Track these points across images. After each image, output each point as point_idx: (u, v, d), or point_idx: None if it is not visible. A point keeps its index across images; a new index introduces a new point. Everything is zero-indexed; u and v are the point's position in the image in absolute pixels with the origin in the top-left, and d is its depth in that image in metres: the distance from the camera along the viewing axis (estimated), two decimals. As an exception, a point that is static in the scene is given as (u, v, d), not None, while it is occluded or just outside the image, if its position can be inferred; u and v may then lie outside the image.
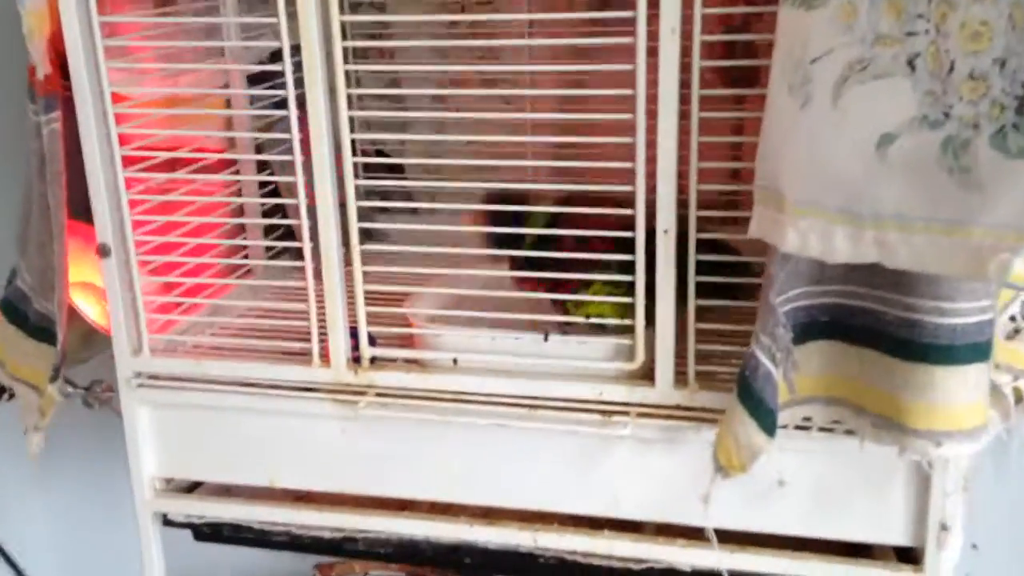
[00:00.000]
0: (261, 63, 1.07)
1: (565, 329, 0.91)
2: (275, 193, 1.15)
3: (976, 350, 0.72)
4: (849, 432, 0.83)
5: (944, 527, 0.80)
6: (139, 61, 1.01)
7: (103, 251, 0.98)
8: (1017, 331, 0.86)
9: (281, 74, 0.88)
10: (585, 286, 0.89)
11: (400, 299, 0.99)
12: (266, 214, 1.15)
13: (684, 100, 0.81)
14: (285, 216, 1.16)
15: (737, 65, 0.84)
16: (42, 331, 1.04)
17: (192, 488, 1.08)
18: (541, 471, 0.93)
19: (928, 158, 0.61)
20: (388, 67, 1.22)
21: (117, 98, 0.94)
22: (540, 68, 1.16)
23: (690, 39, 0.79)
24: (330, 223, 0.93)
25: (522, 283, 0.93)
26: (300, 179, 0.91)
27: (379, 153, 1.27)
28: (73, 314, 1.08)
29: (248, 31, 1.13)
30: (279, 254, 1.19)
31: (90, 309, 1.11)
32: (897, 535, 0.86)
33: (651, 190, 0.82)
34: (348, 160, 0.90)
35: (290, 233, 1.13)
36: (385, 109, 1.15)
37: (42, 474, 1.52)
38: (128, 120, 0.96)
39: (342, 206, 0.92)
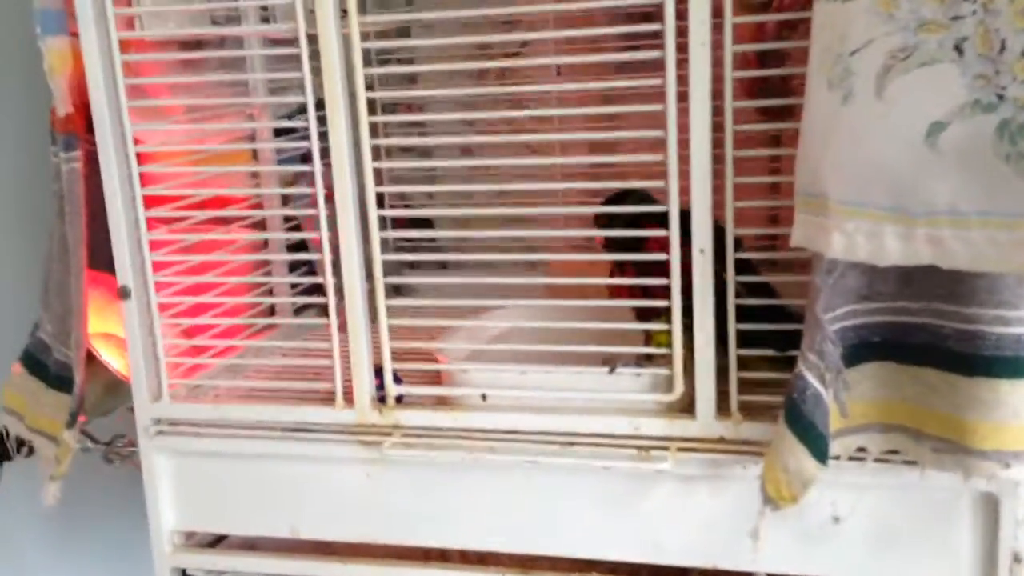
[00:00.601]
0: (289, 116, 1.07)
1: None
2: (302, 246, 1.13)
3: (1043, 362, 0.66)
4: (908, 463, 0.77)
5: (1018, 559, 0.73)
6: (163, 114, 1.00)
7: (123, 293, 0.95)
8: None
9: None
10: (659, 315, 0.84)
11: (427, 355, 0.94)
12: (292, 267, 1.13)
13: (717, 144, 0.78)
14: (311, 269, 1.13)
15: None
16: (62, 380, 1.02)
17: (215, 543, 1.04)
18: (577, 515, 0.88)
19: (983, 145, 0.57)
20: (412, 116, 1.21)
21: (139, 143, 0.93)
22: (570, 112, 1.12)
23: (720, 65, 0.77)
24: (354, 266, 0.90)
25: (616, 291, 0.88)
26: (325, 231, 0.89)
27: (407, 208, 1.25)
28: (96, 364, 1.06)
29: (275, 83, 1.12)
30: (304, 308, 1.16)
31: (113, 361, 1.09)
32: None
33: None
34: (373, 210, 0.88)
35: (317, 287, 1.11)
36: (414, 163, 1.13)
37: (63, 535, 1.48)
38: (150, 161, 0.94)
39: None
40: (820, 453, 0.72)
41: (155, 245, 0.95)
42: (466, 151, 1.24)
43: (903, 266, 0.71)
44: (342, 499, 0.94)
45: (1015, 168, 0.57)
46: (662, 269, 0.81)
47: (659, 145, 0.79)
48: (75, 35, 0.93)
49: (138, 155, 0.93)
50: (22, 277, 1.34)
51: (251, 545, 1.02)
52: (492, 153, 1.15)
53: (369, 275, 0.90)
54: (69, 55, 0.92)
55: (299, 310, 1.15)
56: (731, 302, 0.80)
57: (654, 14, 0.79)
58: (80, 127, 0.92)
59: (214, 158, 1.03)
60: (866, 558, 0.81)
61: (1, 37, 1.34)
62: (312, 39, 0.87)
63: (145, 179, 0.94)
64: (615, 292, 0.88)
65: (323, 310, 0.93)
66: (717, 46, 0.77)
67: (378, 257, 0.89)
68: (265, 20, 1.14)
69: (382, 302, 0.89)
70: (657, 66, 0.79)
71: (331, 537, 0.97)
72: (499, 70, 1.25)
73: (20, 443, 1.12)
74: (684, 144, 0.79)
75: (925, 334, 0.71)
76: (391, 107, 1.18)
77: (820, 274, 0.68)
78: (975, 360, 0.67)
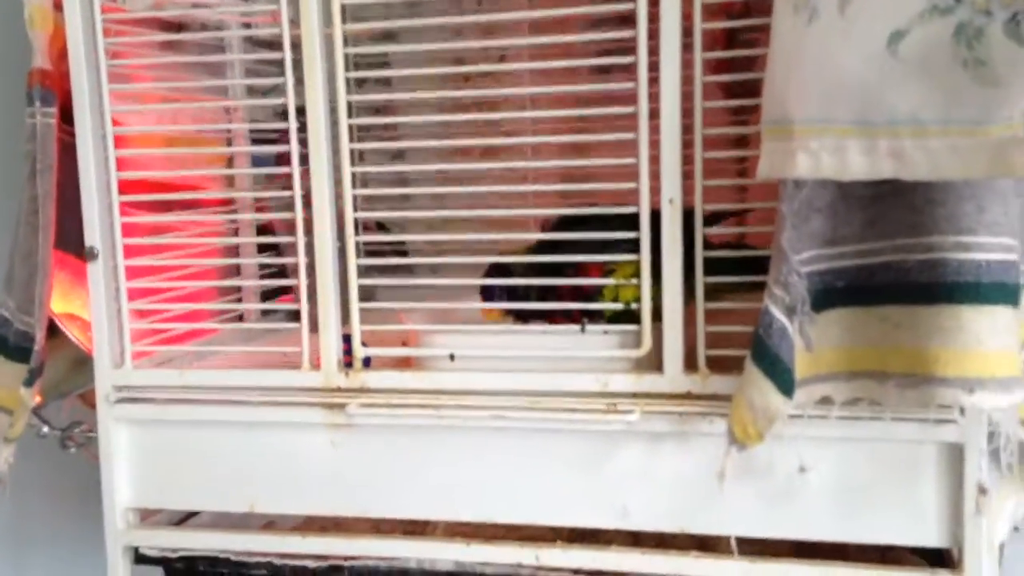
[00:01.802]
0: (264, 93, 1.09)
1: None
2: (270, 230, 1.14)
3: (1004, 291, 0.68)
4: (874, 418, 0.77)
5: (983, 490, 0.73)
6: (142, 96, 1.01)
7: (90, 254, 0.95)
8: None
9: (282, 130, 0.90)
10: (608, 274, 0.85)
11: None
12: (261, 250, 1.13)
13: (687, 145, 0.81)
14: (278, 251, 1.13)
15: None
16: (21, 351, 0.99)
17: (180, 523, 1.01)
18: (545, 478, 0.87)
19: (941, 50, 0.60)
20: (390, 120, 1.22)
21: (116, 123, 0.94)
22: (543, 139, 1.14)
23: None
24: (325, 224, 0.90)
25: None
26: (298, 192, 0.90)
27: (380, 226, 1.26)
28: (60, 338, 1.04)
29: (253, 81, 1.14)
30: (273, 294, 1.15)
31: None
32: (930, 535, 0.79)
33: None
34: (349, 204, 0.89)
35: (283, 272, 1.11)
36: (387, 184, 1.14)
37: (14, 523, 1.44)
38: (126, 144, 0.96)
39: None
40: (786, 386, 0.72)
41: (125, 211, 0.95)
42: (440, 173, 1.26)
43: (866, 208, 0.73)
44: (304, 471, 0.92)
45: (972, 74, 0.59)
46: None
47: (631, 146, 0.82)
48: (59, 6, 0.94)
49: (113, 120, 0.93)
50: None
51: (217, 524, 1.00)
52: (465, 159, 1.17)
53: (340, 234, 0.90)
54: (50, 17, 0.93)
55: (267, 296, 1.14)
56: (699, 254, 0.81)
57: (627, 17, 0.83)
58: (56, 86, 0.93)
59: (189, 143, 1.04)
60: (833, 515, 0.80)
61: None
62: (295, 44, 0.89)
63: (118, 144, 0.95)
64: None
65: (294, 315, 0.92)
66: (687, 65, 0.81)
67: (350, 217, 0.89)
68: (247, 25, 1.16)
69: (352, 262, 0.89)
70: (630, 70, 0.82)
71: (291, 511, 0.95)
72: (474, 78, 1.27)
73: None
74: (655, 175, 0.81)
75: (889, 272, 0.72)
76: (365, 111, 1.20)
77: (785, 201, 0.70)
78: (937, 288, 0.69)
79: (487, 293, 0.91)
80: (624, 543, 0.88)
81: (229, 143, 1.13)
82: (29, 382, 0.95)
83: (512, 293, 0.91)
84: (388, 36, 1.23)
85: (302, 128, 0.90)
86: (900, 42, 0.61)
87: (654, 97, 0.81)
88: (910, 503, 0.78)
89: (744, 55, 0.82)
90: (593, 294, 0.87)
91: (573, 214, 0.92)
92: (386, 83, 1.25)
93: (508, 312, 0.91)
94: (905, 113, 0.61)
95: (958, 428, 0.76)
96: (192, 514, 1.02)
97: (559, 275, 0.87)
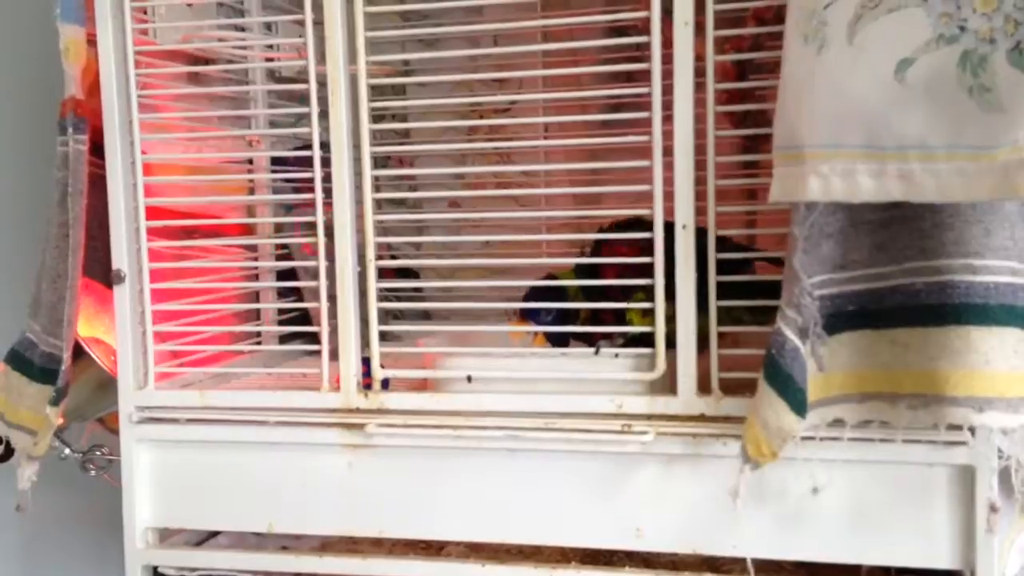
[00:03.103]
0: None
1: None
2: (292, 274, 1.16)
3: (1012, 313, 0.69)
4: (885, 440, 0.79)
5: (994, 508, 0.74)
6: (169, 126, 1.04)
7: (117, 278, 0.97)
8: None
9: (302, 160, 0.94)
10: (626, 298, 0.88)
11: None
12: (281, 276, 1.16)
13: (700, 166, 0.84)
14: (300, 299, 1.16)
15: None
16: (47, 372, 1.02)
17: (200, 544, 1.02)
18: (560, 499, 0.88)
19: (947, 77, 0.62)
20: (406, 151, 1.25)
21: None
22: (557, 166, 1.17)
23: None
24: (347, 247, 0.92)
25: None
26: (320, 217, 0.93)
27: (394, 259, 1.28)
28: (85, 360, 1.06)
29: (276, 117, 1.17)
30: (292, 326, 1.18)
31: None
32: (942, 557, 0.80)
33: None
34: (369, 212, 0.92)
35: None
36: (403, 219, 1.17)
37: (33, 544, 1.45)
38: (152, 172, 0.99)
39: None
40: (799, 406, 0.74)
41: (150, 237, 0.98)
42: (453, 204, 1.29)
43: (875, 233, 0.75)
44: (322, 491, 0.94)
45: (977, 101, 0.61)
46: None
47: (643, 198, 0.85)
48: (91, 41, 0.98)
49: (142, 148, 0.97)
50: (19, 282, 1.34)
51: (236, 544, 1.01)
52: (479, 206, 1.20)
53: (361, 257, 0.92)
54: (84, 51, 0.96)
55: (287, 322, 1.16)
56: (712, 279, 0.83)
57: (636, 76, 0.87)
58: (88, 113, 0.96)
59: (212, 173, 1.08)
60: (845, 536, 0.81)
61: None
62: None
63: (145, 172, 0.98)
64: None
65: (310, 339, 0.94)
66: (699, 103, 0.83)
67: (371, 241, 0.91)
68: (269, 59, 1.20)
69: (372, 282, 0.91)
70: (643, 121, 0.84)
71: (309, 531, 0.96)
72: (488, 127, 1.30)
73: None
74: (669, 196, 0.83)
75: (898, 295, 0.74)
76: (383, 162, 1.23)
77: (797, 224, 0.72)
78: (946, 310, 0.70)
79: (528, 316, 0.93)
80: (635, 565, 0.89)
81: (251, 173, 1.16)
82: (55, 401, 0.97)
83: (558, 316, 0.93)
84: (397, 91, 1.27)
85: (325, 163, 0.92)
86: (907, 70, 0.63)
87: (668, 135, 0.83)
88: (922, 525, 0.79)
89: (754, 87, 0.85)
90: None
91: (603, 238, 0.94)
92: (402, 124, 1.29)
93: (548, 336, 0.93)
94: (913, 138, 0.64)
95: (968, 450, 0.77)
96: (212, 535, 1.03)
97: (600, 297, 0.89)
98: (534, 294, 0.94)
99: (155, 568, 0.99)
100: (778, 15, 0.82)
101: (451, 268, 1.22)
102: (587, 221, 1.11)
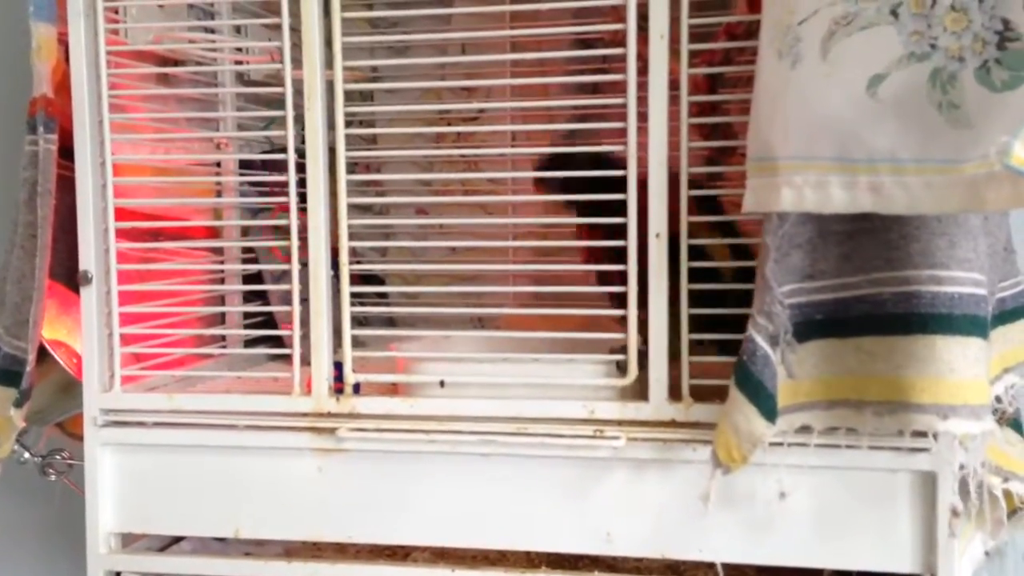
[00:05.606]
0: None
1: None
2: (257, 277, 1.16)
3: (975, 323, 0.72)
4: (850, 446, 0.80)
5: (956, 512, 0.76)
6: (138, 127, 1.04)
7: (84, 279, 0.96)
8: (1002, 414, 0.86)
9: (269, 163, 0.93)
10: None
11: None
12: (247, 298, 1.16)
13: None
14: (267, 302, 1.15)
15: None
16: (9, 374, 1.00)
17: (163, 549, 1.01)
18: (531, 504, 0.88)
19: (918, 93, 0.64)
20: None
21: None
22: (521, 175, 1.19)
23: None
24: (320, 251, 0.92)
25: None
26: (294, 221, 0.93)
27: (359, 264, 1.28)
28: (48, 362, 1.04)
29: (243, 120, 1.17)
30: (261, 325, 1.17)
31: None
32: (904, 561, 0.82)
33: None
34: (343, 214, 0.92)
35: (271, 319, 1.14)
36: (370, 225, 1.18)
37: None
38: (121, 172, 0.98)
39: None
40: (769, 412, 0.75)
41: (119, 237, 0.97)
42: (420, 211, 1.29)
43: (843, 243, 0.77)
44: (291, 496, 0.93)
45: (947, 117, 0.64)
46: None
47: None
48: (62, 40, 0.97)
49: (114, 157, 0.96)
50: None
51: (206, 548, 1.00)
52: (446, 213, 1.21)
53: (335, 260, 0.92)
54: (55, 50, 0.96)
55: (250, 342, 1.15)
56: (684, 287, 0.84)
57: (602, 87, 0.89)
58: (58, 113, 0.95)
59: (180, 174, 1.07)
60: (810, 541, 0.83)
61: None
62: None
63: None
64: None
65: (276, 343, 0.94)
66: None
67: (345, 245, 0.92)
68: (238, 62, 1.19)
69: (346, 286, 0.91)
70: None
71: (276, 536, 0.96)
72: (456, 134, 1.31)
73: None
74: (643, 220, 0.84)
75: (865, 305, 0.76)
76: (351, 167, 1.23)
77: (769, 234, 0.73)
78: (911, 319, 0.72)
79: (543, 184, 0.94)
80: (602, 570, 0.90)
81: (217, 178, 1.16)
82: (19, 403, 0.95)
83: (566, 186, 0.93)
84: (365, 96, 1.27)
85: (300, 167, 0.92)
86: (879, 85, 0.65)
87: (643, 146, 0.84)
88: (885, 530, 0.81)
89: (724, 100, 0.87)
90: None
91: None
92: (371, 129, 1.29)
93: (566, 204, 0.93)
94: (884, 152, 0.66)
95: (931, 456, 0.79)
96: (175, 540, 1.02)
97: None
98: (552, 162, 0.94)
99: (117, 573, 0.98)
100: (748, 30, 0.84)
101: (417, 274, 1.23)
102: (552, 230, 1.12)
